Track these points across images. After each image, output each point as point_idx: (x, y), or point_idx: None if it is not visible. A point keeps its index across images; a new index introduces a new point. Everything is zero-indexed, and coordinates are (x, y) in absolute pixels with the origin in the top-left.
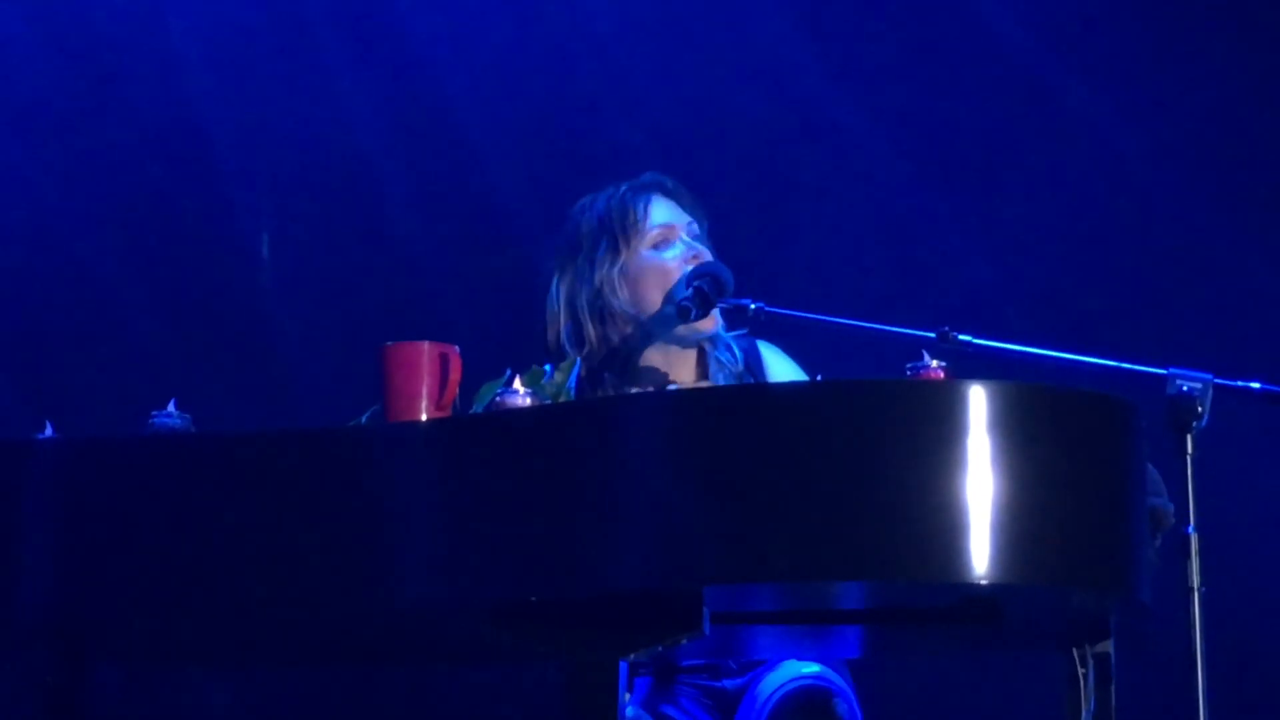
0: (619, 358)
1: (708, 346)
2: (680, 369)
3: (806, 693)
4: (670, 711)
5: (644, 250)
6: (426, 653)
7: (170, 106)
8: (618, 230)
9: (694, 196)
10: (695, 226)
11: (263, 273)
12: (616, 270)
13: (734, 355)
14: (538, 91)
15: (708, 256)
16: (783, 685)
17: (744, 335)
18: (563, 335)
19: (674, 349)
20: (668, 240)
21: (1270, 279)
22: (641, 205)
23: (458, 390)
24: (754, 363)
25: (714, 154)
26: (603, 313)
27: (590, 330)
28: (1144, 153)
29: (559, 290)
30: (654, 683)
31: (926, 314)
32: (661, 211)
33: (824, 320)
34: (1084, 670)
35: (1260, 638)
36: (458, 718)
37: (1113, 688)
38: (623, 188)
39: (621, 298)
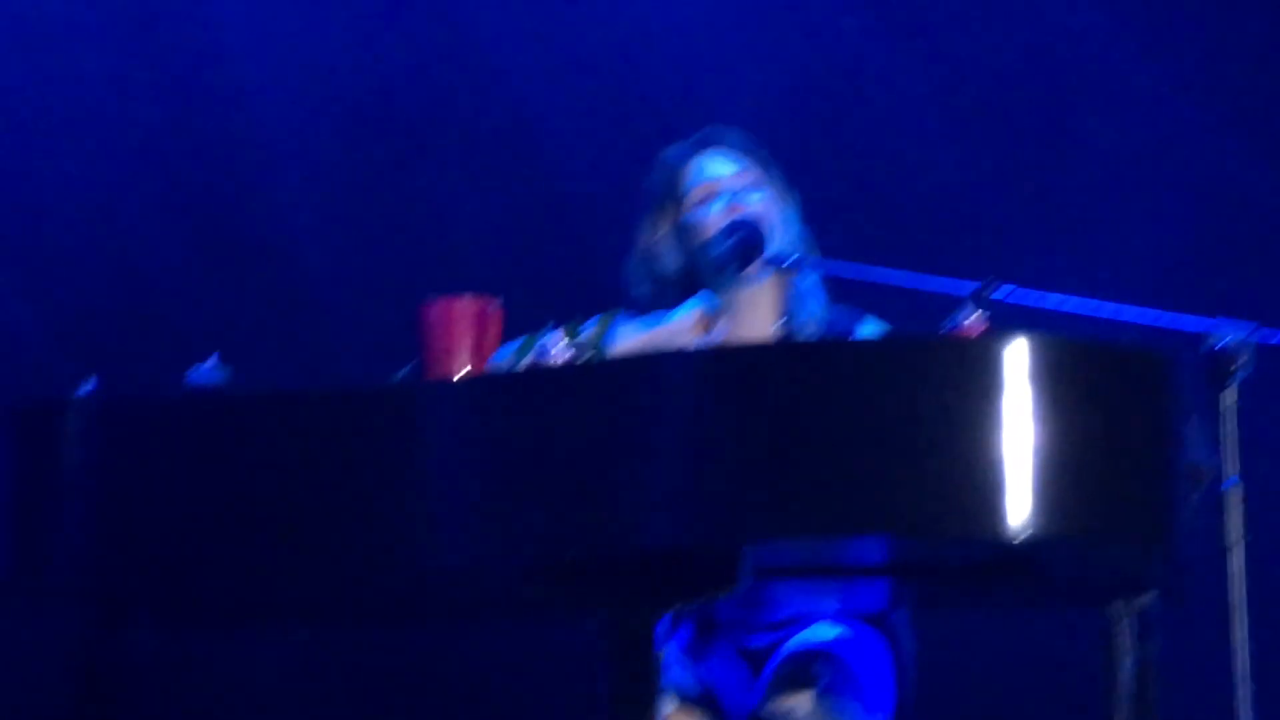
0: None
1: (790, 298)
2: (753, 323)
3: (795, 658)
4: (706, 667)
5: (687, 214)
6: (464, 610)
7: (209, 62)
8: (661, 196)
9: (752, 144)
10: (749, 176)
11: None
12: (661, 236)
13: (810, 311)
14: (585, 44)
15: (751, 208)
16: (792, 649)
17: (854, 310)
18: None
19: (742, 303)
20: (709, 197)
21: None
22: (683, 168)
23: (498, 345)
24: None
25: (756, 108)
26: (651, 275)
27: (643, 290)
28: (1187, 104)
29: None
30: (696, 632)
31: (967, 266)
32: (704, 169)
33: (863, 273)
34: (1124, 623)
35: None
36: (494, 674)
37: (1153, 641)
38: (669, 151)
39: (669, 262)
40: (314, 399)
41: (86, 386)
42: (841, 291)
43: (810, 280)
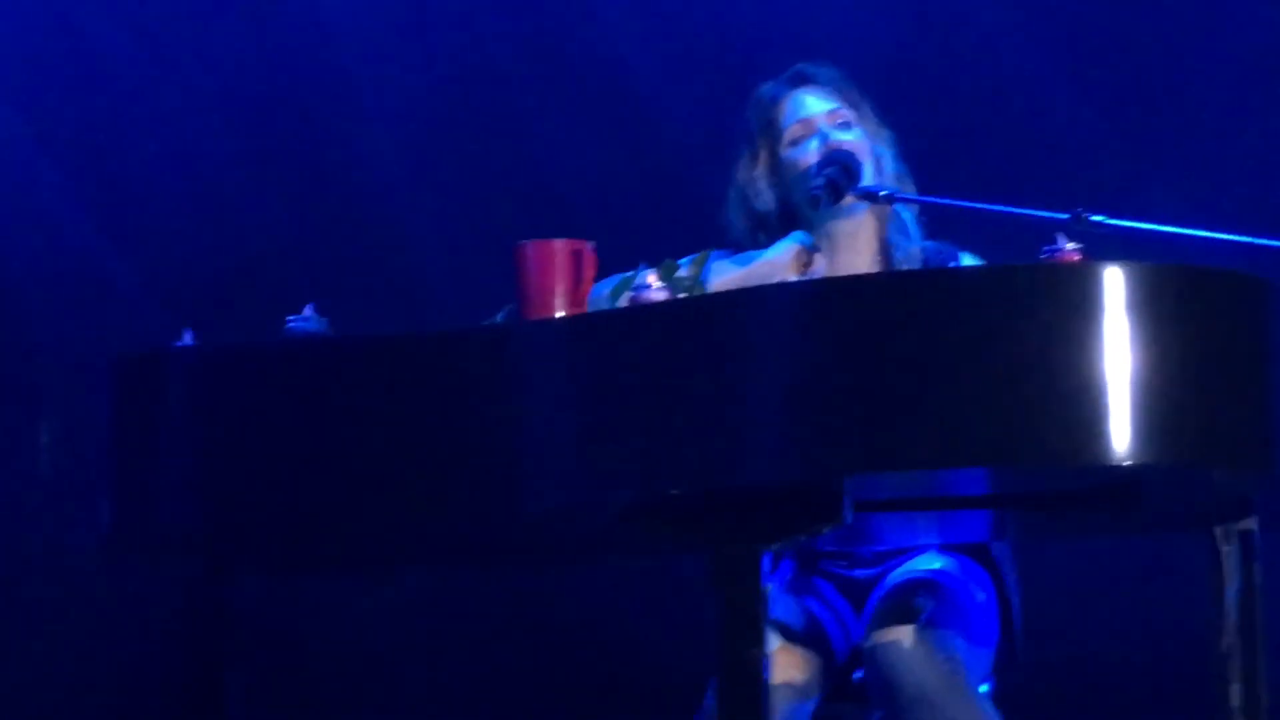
0: None
1: (888, 232)
2: (850, 258)
3: (897, 591)
4: (809, 601)
5: (784, 151)
6: (569, 549)
7: (302, 12)
8: (756, 133)
9: (845, 80)
10: (844, 112)
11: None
12: (758, 173)
13: (908, 245)
14: None
15: (846, 144)
16: (894, 582)
17: (950, 244)
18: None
19: (839, 238)
20: (805, 136)
21: None
22: (777, 106)
23: (593, 286)
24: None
25: (849, 41)
26: (747, 214)
27: (740, 228)
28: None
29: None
30: (797, 568)
31: (1061, 195)
32: (798, 107)
33: (957, 205)
34: (1226, 548)
35: None
36: (603, 614)
37: (1256, 565)
38: (763, 88)
39: (766, 200)
40: (412, 343)
41: (185, 338)
42: (938, 225)
43: (907, 214)
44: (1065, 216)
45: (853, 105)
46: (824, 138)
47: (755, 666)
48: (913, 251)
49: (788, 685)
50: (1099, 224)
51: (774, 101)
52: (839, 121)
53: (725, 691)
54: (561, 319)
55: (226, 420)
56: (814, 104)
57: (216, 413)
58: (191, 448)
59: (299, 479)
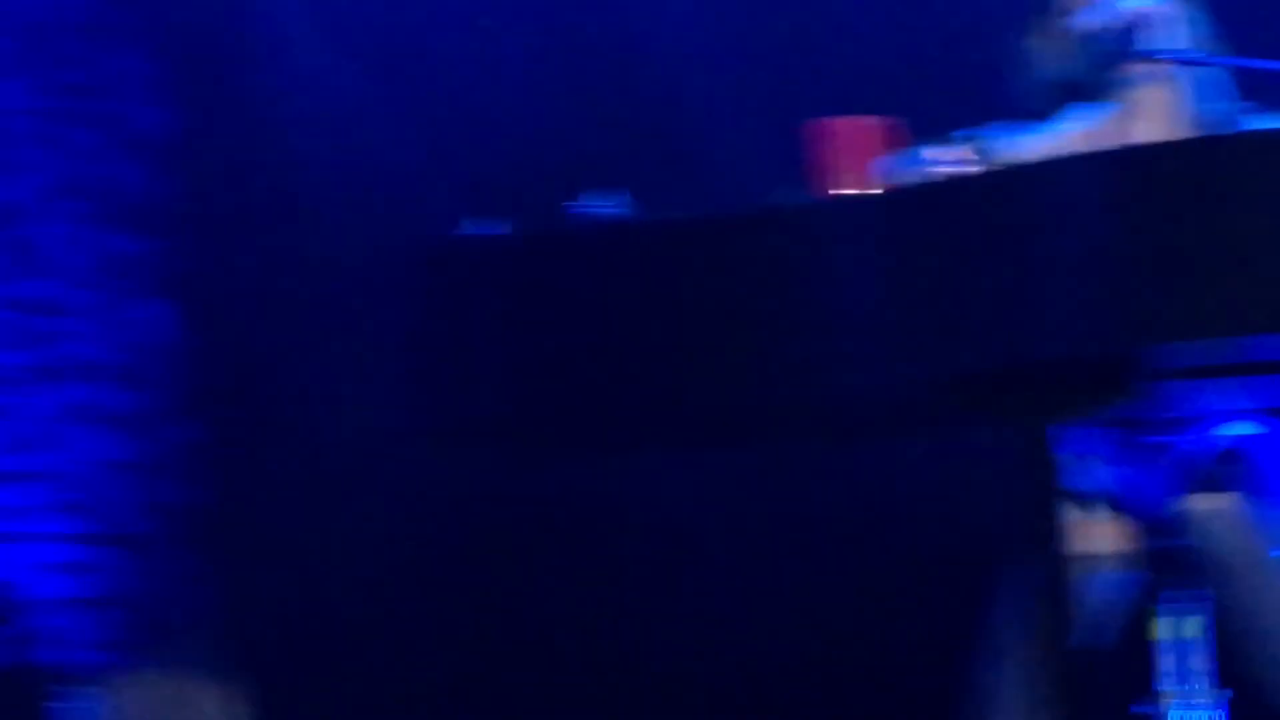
0: None
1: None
2: (1148, 124)
3: (1204, 458)
4: (1116, 469)
5: (1072, 21)
6: (869, 427)
7: None
8: (1046, 3)
9: None
10: None
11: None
12: (1048, 43)
13: (1210, 108)
14: None
15: (1138, 9)
16: (1201, 448)
17: (1252, 104)
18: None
19: (1136, 104)
20: (1093, 3)
21: None
22: None
23: (887, 162)
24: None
25: None
26: (1039, 84)
27: (1032, 99)
28: None
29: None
30: (1104, 436)
31: None
32: None
33: (1247, 63)
34: None
35: None
36: (900, 490)
37: None
38: None
39: (1057, 69)
40: (716, 223)
41: (489, 225)
42: (1249, 86)
43: (1206, 77)
44: None
45: None
46: (1113, 4)
47: (1055, 538)
48: (1215, 115)
49: (1101, 555)
50: None
51: None
52: None
53: (1026, 564)
54: (860, 195)
55: (535, 305)
56: None
57: (525, 298)
58: (501, 334)
59: (607, 362)
